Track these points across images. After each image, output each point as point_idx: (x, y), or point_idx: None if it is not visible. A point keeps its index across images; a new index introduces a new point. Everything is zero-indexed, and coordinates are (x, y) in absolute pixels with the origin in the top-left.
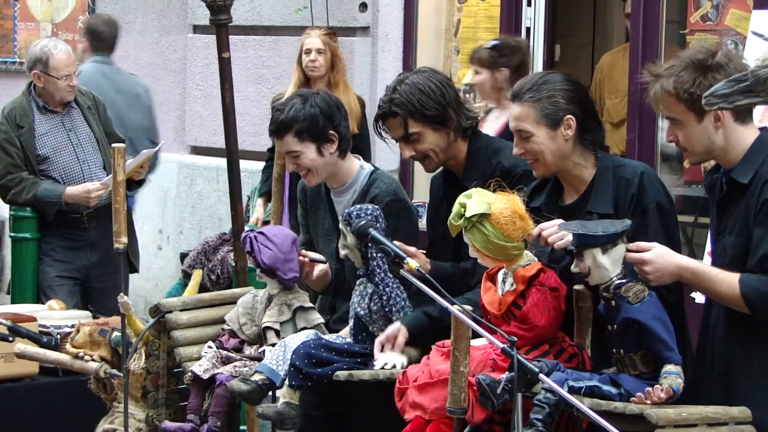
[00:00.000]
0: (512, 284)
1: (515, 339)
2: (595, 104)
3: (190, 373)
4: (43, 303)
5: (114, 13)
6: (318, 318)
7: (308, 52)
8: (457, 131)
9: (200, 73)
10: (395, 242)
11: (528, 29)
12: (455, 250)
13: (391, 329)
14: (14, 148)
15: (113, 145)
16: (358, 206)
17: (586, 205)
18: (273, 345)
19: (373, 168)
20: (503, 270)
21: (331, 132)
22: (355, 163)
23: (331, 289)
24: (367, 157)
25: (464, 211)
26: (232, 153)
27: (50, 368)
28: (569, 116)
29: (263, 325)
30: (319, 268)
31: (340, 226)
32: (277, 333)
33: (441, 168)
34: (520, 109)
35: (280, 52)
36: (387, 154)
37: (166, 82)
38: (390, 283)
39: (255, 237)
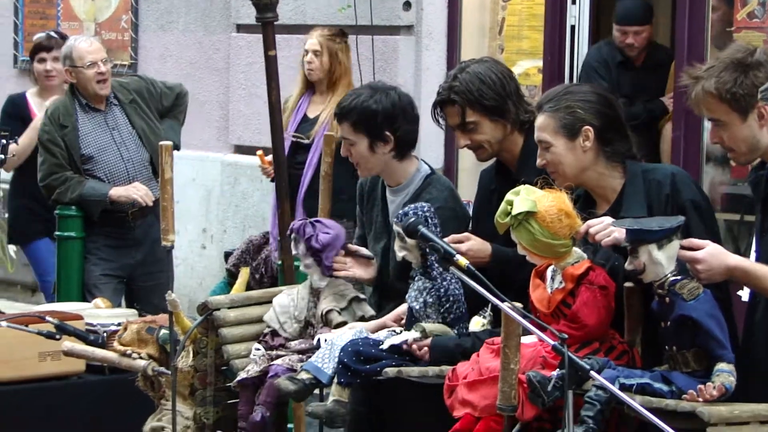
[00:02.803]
0: (561, 282)
1: (566, 336)
2: (620, 117)
3: (236, 383)
4: (88, 301)
5: (157, 13)
6: (371, 311)
7: (306, 53)
8: (514, 124)
9: (243, 72)
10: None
11: (573, 27)
12: (505, 242)
13: (420, 344)
14: (58, 148)
15: (160, 143)
16: (412, 205)
17: (618, 213)
18: (340, 325)
19: (429, 171)
20: (552, 267)
21: (387, 133)
22: (413, 164)
23: (376, 287)
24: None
25: (510, 208)
26: (278, 151)
27: (97, 366)
28: (587, 127)
29: (325, 310)
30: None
31: (396, 227)
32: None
33: (493, 160)
34: (541, 119)
35: None
36: (431, 152)
37: (209, 82)
38: (447, 277)
39: (313, 223)
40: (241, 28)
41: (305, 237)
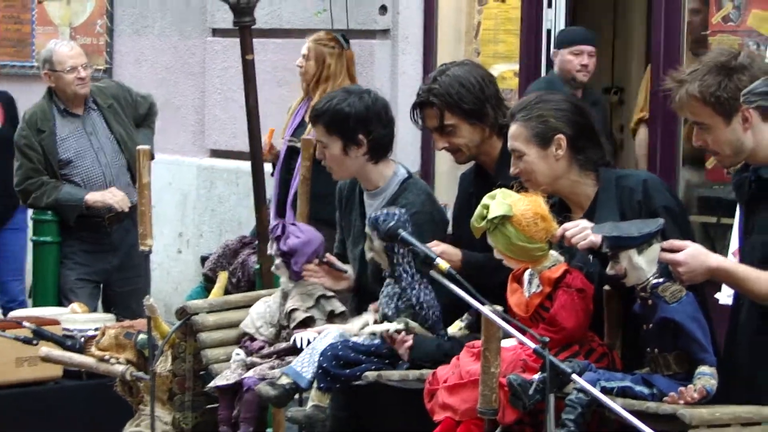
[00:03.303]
0: (538, 285)
1: (547, 339)
2: (592, 125)
3: (212, 388)
4: (64, 306)
5: (132, 17)
6: (341, 306)
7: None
8: (492, 128)
9: (219, 77)
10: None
11: (549, 31)
12: (483, 245)
13: (404, 337)
14: (35, 153)
15: (138, 147)
16: (385, 211)
17: (592, 220)
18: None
19: (407, 175)
20: (529, 271)
21: (361, 136)
22: (390, 168)
23: (355, 292)
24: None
25: (486, 212)
26: (255, 155)
27: (74, 372)
28: (559, 135)
29: (288, 309)
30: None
31: (366, 229)
32: (308, 320)
33: (473, 163)
34: (513, 128)
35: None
36: (408, 155)
37: (184, 86)
38: (416, 286)
39: (286, 225)
40: (216, 32)
41: (275, 237)
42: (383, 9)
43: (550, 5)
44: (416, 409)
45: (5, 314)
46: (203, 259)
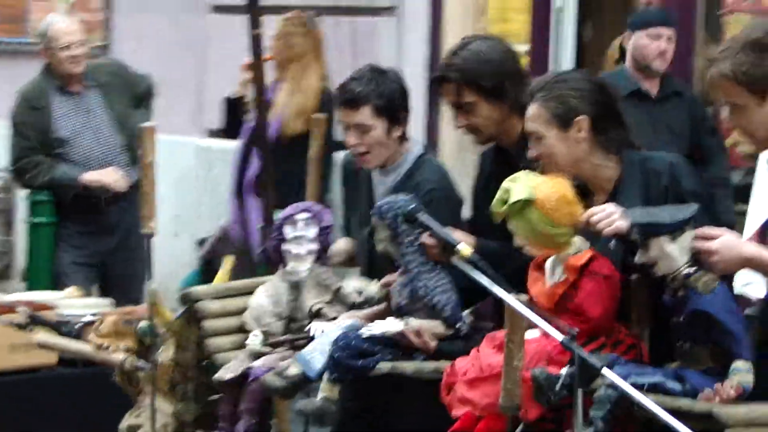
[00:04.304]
0: (562, 274)
1: (576, 331)
2: (616, 104)
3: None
4: (59, 290)
5: None
6: (359, 297)
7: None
8: (513, 107)
9: (220, 54)
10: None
11: (559, 10)
12: (503, 230)
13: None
14: (31, 131)
15: (142, 125)
16: (388, 199)
17: (615, 204)
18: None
19: (422, 151)
20: (551, 259)
21: (403, 114)
22: (407, 145)
23: (366, 272)
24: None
25: (508, 196)
26: (262, 134)
27: (69, 359)
28: (580, 117)
29: (315, 308)
30: None
31: (373, 220)
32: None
33: (493, 143)
34: (532, 109)
35: None
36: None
37: (184, 64)
38: (426, 275)
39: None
40: (218, 8)
41: (322, 224)
42: None
43: None
44: (433, 402)
45: None
46: (200, 242)
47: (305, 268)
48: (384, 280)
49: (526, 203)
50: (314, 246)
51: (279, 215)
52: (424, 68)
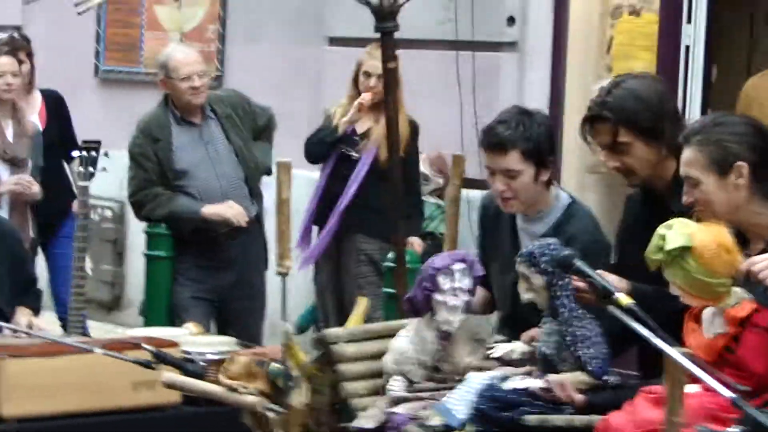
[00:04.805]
0: (722, 326)
1: (747, 388)
2: None
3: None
4: (176, 325)
5: (246, 23)
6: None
7: (368, 75)
8: (670, 148)
9: (337, 88)
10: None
11: (687, 47)
12: (649, 276)
13: (571, 382)
14: (150, 163)
15: (278, 160)
16: (539, 243)
17: None
18: None
19: (571, 199)
20: (710, 309)
21: (551, 158)
22: (553, 191)
23: (506, 323)
24: (412, 187)
25: (663, 243)
26: (394, 170)
27: (192, 396)
28: (740, 162)
29: (468, 367)
30: None
31: (520, 268)
32: None
33: (640, 188)
34: (687, 153)
35: (424, 66)
36: None
37: (298, 96)
38: (575, 323)
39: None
40: (333, 41)
41: (476, 274)
42: (511, 20)
43: (689, 21)
44: None
45: (64, 327)
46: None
47: (458, 318)
48: (528, 334)
49: (684, 250)
50: (468, 297)
51: (430, 263)
52: (545, 106)
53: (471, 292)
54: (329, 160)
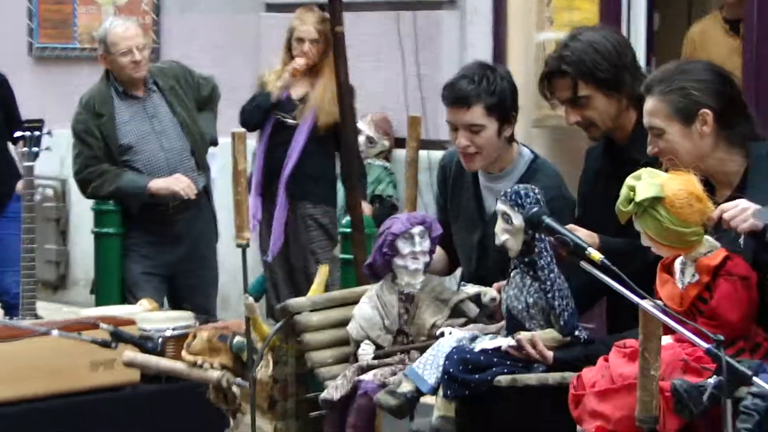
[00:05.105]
0: (693, 275)
1: (722, 338)
2: (740, 96)
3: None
4: (129, 302)
5: None
6: (475, 309)
7: (300, 40)
8: (630, 99)
9: (276, 55)
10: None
11: None
12: (614, 229)
13: (540, 339)
14: (94, 139)
15: (232, 131)
16: (523, 186)
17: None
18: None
19: (533, 155)
20: (680, 259)
21: (514, 113)
22: (515, 148)
23: (473, 283)
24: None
25: (633, 195)
26: (348, 135)
27: (151, 375)
28: (704, 110)
29: (438, 331)
30: None
31: (503, 206)
32: None
33: (601, 140)
34: (650, 103)
35: (365, 28)
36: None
37: (237, 65)
38: (555, 271)
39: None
40: (270, 7)
41: (434, 234)
42: None
43: None
44: (559, 416)
45: (5, 309)
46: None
47: (419, 281)
48: (496, 285)
49: (654, 201)
50: (428, 259)
51: (388, 228)
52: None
53: (430, 253)
54: (265, 129)
